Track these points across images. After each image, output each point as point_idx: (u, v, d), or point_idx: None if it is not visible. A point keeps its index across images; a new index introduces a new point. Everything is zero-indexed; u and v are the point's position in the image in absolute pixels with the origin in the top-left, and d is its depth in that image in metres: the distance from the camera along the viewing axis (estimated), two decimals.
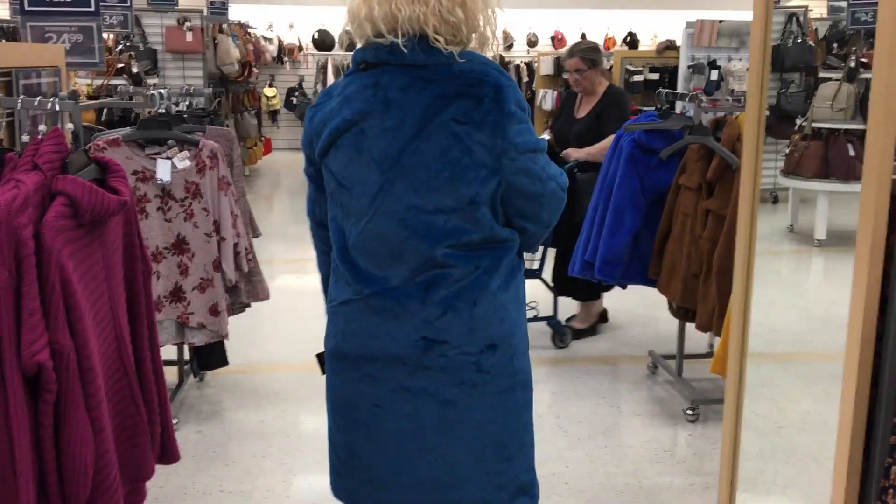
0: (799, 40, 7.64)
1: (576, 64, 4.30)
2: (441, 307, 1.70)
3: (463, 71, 1.70)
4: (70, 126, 1.72)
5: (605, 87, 4.37)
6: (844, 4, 9.65)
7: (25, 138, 1.72)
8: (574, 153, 4.28)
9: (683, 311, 3.60)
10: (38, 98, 1.78)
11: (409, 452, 1.78)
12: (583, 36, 12.90)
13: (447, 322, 1.71)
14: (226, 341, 3.51)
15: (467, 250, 1.71)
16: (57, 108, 1.76)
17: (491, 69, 1.73)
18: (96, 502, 1.56)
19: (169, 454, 1.93)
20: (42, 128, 1.80)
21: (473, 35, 1.74)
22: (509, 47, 12.61)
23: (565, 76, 4.64)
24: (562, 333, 4.42)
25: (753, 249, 2.29)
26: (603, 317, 4.70)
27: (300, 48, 12.86)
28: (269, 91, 12.40)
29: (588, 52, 4.33)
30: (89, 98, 5.72)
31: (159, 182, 3.17)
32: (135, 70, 6.48)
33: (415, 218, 1.68)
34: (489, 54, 1.85)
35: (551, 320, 4.45)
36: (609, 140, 3.99)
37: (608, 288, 4.40)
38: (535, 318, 4.42)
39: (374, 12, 1.69)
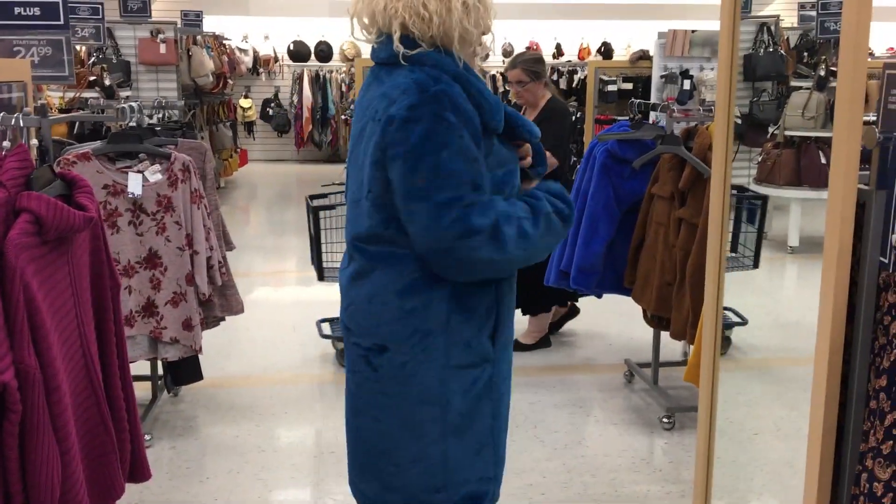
0: (770, 49, 7.73)
1: (518, 76, 4.18)
2: (347, 297, 1.85)
3: (398, 78, 1.70)
4: (34, 142, 1.70)
5: (546, 99, 4.24)
6: (814, 14, 9.80)
7: None
8: None
9: (658, 320, 3.62)
10: (1, 114, 1.76)
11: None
12: (557, 46, 13.00)
13: (350, 311, 1.84)
14: (200, 355, 3.48)
15: (363, 243, 1.79)
16: (21, 123, 1.74)
17: (404, 94, 1.65)
18: None
19: (139, 472, 1.90)
20: (6, 143, 1.78)
21: (454, 34, 1.70)
22: (485, 57, 12.67)
23: (508, 87, 4.54)
24: None
25: (724, 257, 2.31)
26: (552, 330, 4.63)
27: (276, 59, 12.83)
28: (244, 102, 12.35)
29: (530, 64, 4.20)
30: (61, 111, 5.66)
31: (130, 196, 3.14)
32: (107, 83, 6.43)
33: (349, 209, 1.84)
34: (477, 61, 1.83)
35: None
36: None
37: (561, 301, 4.39)
38: None
39: (357, 6, 1.77)
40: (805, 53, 8.40)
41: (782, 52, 7.91)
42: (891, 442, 1.51)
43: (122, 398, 1.83)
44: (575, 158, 6.85)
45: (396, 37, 1.70)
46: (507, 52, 12.92)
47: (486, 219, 1.63)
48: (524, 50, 11.93)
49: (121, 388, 1.83)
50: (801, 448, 3.57)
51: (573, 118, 3.94)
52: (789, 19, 9.85)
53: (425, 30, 1.69)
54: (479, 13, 1.74)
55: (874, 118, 1.67)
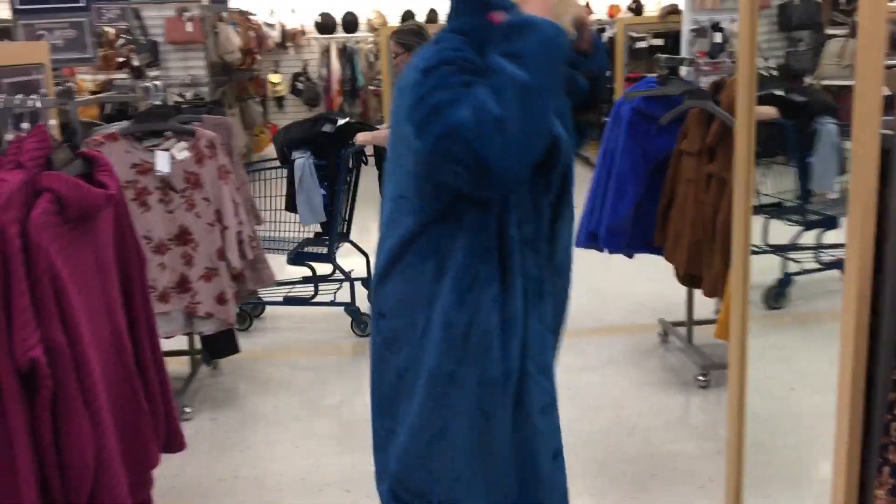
0: None
1: (393, 48, 4.13)
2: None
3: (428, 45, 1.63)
4: (52, 122, 1.72)
5: None
6: None
7: (10, 137, 1.73)
8: (361, 137, 4.11)
9: (690, 278, 3.58)
10: (18, 96, 1.79)
11: None
12: (587, 5, 12.76)
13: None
14: (237, 328, 3.54)
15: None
16: (38, 105, 1.77)
17: (423, 59, 1.55)
18: (99, 495, 1.58)
19: (173, 443, 1.95)
20: (25, 125, 1.81)
21: None
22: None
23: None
24: (360, 321, 4.33)
25: (750, 210, 2.27)
26: None
27: (303, 32, 12.81)
28: (273, 77, 12.37)
29: (401, 36, 4.10)
30: (92, 94, 5.73)
31: (159, 174, 3.18)
32: (136, 63, 6.48)
33: None
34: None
35: (348, 307, 4.34)
36: None
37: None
38: (332, 304, 4.36)
39: None
40: (840, 1, 8.16)
41: None
42: None
43: (153, 371, 1.87)
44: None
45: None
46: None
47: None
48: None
49: (151, 361, 1.87)
50: (834, 402, 3.52)
51: None
52: None
53: None
54: None
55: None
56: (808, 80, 7.41)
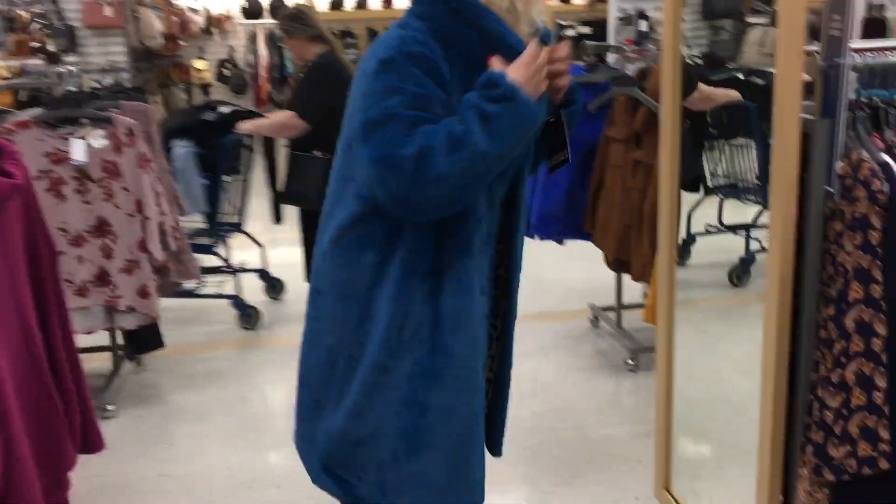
0: None
1: (281, 33, 4.03)
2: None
3: (389, 32, 1.63)
4: None
5: (316, 55, 3.85)
6: None
7: None
8: (243, 126, 3.98)
9: (619, 263, 3.62)
10: None
11: None
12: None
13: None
14: (160, 323, 3.43)
15: None
16: None
17: (384, 48, 1.54)
18: (12, 498, 1.50)
19: (91, 442, 1.87)
20: None
21: None
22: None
23: None
24: (247, 314, 4.22)
25: (677, 195, 2.29)
26: None
27: (229, 18, 12.51)
28: (198, 64, 12.04)
29: (283, 21, 3.96)
30: (3, 81, 5.47)
31: (74, 163, 3.05)
32: (51, 49, 6.22)
33: None
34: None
35: (234, 300, 4.26)
36: (283, 114, 3.80)
37: None
38: (218, 296, 4.28)
39: None
40: None
41: None
42: (839, 370, 1.52)
43: (68, 369, 1.79)
44: None
45: None
46: None
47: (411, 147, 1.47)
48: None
49: (65, 358, 1.78)
50: (756, 382, 3.62)
51: (343, 75, 3.45)
52: None
53: None
54: None
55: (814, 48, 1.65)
56: (729, 66, 7.59)
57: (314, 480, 1.75)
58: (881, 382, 1.53)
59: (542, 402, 3.33)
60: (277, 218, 4.46)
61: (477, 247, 1.64)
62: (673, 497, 2.47)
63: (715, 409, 3.25)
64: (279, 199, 4.31)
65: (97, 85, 4.16)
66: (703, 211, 4.81)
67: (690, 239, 4.63)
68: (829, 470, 1.58)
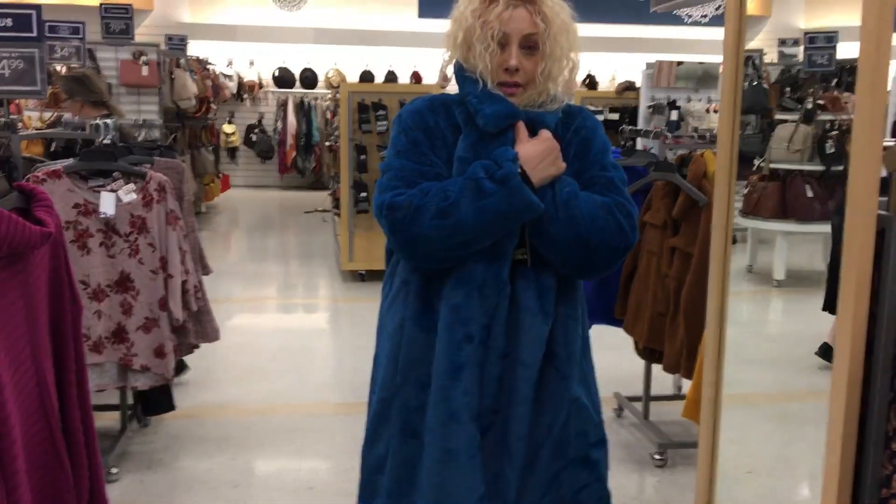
0: (755, 83, 7.73)
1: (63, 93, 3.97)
2: None
3: None
4: None
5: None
6: (795, 50, 9.86)
7: None
8: None
9: (650, 352, 3.50)
10: None
11: None
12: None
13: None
14: (172, 385, 3.32)
15: None
16: None
17: None
18: None
19: None
20: None
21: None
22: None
23: None
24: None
25: (727, 290, 2.20)
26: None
27: (260, 85, 12.73)
28: (227, 128, 12.23)
29: (66, 82, 3.86)
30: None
31: (103, 216, 3.00)
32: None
33: None
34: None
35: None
36: None
37: None
38: None
39: None
40: (787, 88, 8.43)
41: (765, 85, 7.92)
42: None
43: (81, 431, 1.68)
44: None
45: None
46: None
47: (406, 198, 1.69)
48: None
49: (79, 419, 1.68)
50: (797, 488, 3.44)
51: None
52: (769, 55, 9.91)
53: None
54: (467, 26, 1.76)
55: (892, 142, 1.57)
56: (757, 162, 7.58)
57: None
58: None
59: None
60: None
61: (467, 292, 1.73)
62: None
63: None
64: None
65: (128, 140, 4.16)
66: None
67: None
68: None
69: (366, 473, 1.85)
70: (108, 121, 3.21)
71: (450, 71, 1.84)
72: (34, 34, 3.20)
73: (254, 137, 12.48)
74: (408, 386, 1.76)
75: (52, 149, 5.28)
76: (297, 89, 12.55)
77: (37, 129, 5.87)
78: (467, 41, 1.74)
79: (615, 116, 8.68)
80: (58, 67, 7.19)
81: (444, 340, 1.72)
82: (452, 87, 1.90)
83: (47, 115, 6.33)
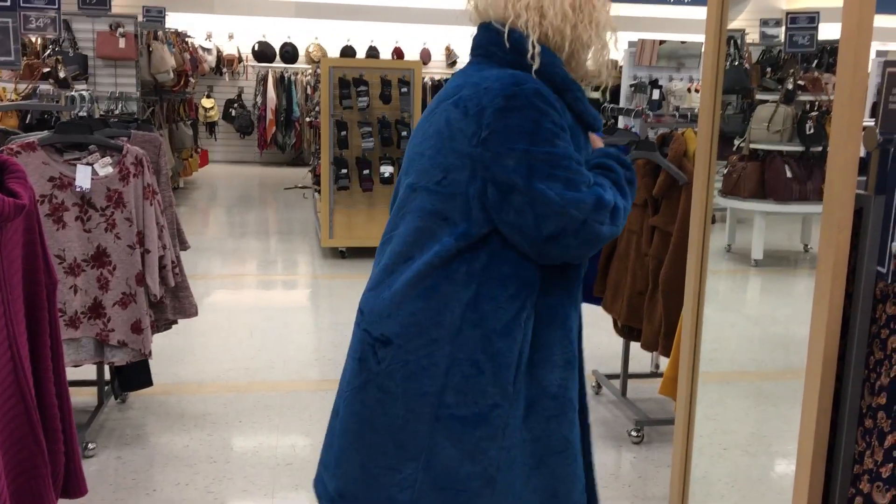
0: (736, 63, 7.75)
1: None
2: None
3: (491, 71, 1.71)
4: None
5: None
6: (776, 31, 9.88)
7: None
8: None
9: (628, 330, 3.52)
10: None
11: None
12: None
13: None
14: (150, 360, 3.30)
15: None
16: None
17: (499, 84, 1.65)
18: None
19: (73, 487, 1.74)
20: None
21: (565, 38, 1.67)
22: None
23: None
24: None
25: (705, 269, 2.21)
26: None
27: (240, 59, 12.59)
28: (206, 102, 12.10)
29: None
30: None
31: (78, 189, 2.96)
32: (62, 75, 6.18)
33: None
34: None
35: None
36: None
37: None
38: None
39: None
40: (768, 68, 8.46)
41: (747, 65, 7.94)
42: (891, 465, 1.41)
43: (56, 406, 1.66)
44: None
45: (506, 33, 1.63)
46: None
47: (609, 194, 1.59)
48: None
49: (55, 394, 1.66)
50: (771, 465, 3.48)
51: None
52: (751, 35, 9.92)
53: (538, 30, 1.64)
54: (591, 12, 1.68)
55: (871, 122, 1.58)
56: (737, 142, 7.61)
57: None
58: None
59: None
60: None
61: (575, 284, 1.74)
62: None
63: (723, 489, 3.12)
64: None
65: (105, 113, 4.11)
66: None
67: None
68: None
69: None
70: (84, 93, 3.16)
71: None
72: (8, 3, 3.14)
73: (233, 112, 12.36)
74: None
75: (28, 121, 5.21)
76: (278, 64, 12.43)
77: (11, 101, 5.78)
78: (581, 38, 1.68)
79: (597, 95, 8.66)
80: (33, 39, 7.07)
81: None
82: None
83: (22, 86, 6.23)
